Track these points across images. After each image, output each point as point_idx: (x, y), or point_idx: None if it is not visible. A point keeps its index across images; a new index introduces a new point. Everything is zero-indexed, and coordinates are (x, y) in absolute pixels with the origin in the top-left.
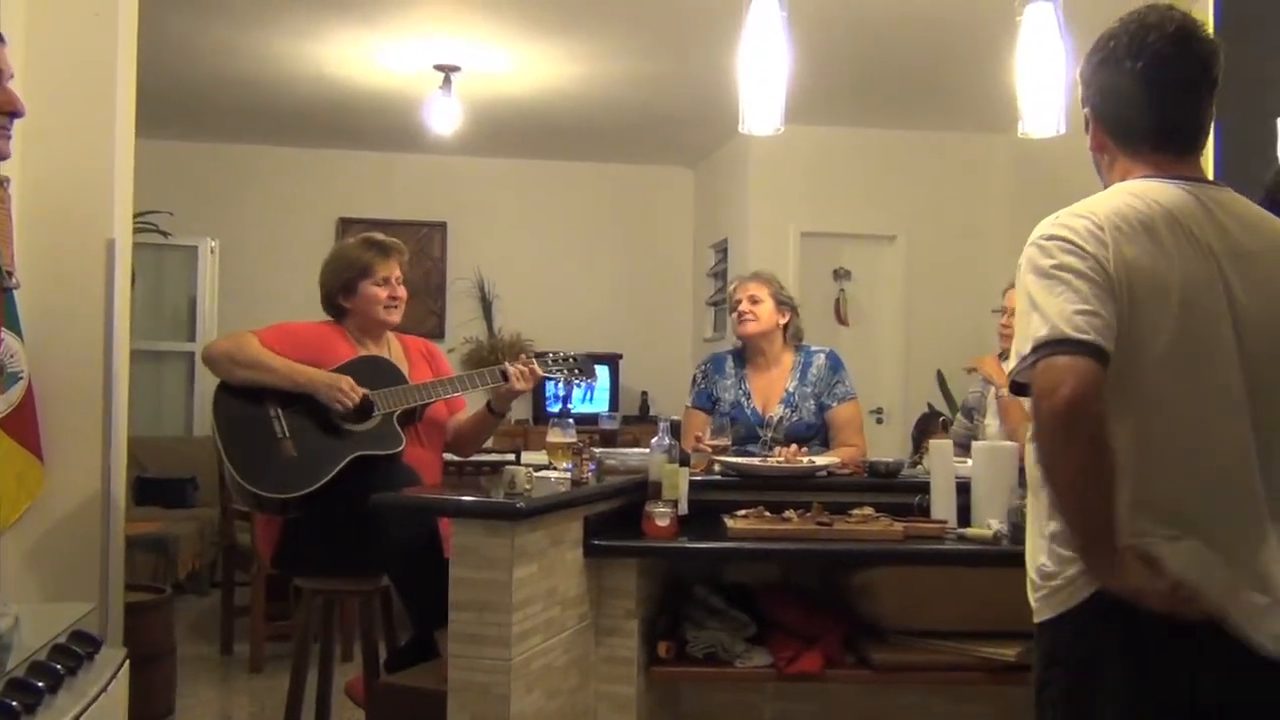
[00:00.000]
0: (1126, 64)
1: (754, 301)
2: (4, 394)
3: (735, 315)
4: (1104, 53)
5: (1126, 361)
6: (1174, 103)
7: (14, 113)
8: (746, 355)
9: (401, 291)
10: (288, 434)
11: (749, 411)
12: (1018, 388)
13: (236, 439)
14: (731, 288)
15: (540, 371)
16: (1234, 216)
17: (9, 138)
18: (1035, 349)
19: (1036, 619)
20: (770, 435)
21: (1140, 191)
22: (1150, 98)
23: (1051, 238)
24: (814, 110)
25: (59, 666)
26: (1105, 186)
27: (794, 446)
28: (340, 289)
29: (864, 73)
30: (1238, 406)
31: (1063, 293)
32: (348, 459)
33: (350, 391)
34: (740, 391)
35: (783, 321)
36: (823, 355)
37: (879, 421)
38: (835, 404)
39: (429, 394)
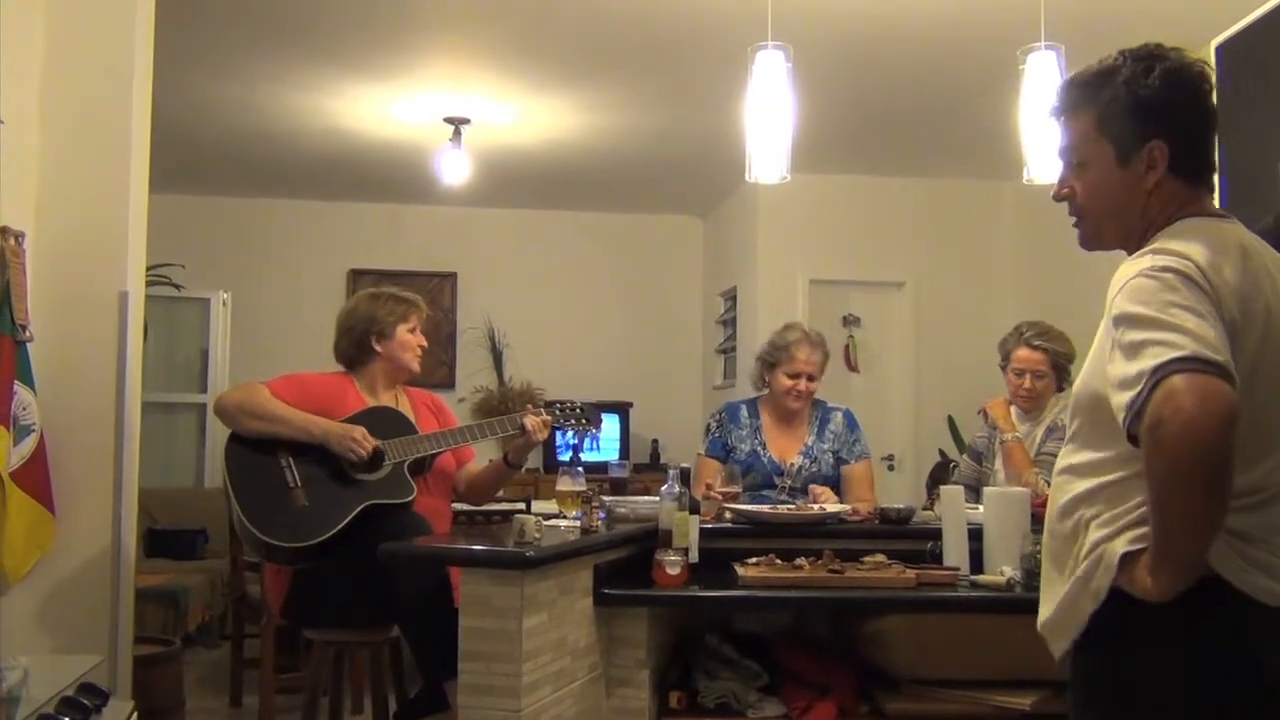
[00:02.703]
0: (1209, 103)
1: (810, 379)
2: (16, 446)
3: (791, 380)
4: (1190, 89)
5: None
6: (1215, 145)
7: None
8: (763, 407)
9: (425, 343)
10: (299, 483)
11: (765, 460)
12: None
13: (248, 488)
14: (791, 342)
15: (551, 421)
16: (1271, 257)
17: None
18: (1166, 364)
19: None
20: (789, 484)
21: (1213, 229)
22: (1213, 138)
23: (1165, 269)
24: (821, 159)
25: (67, 719)
26: (1125, 226)
27: (824, 490)
28: (376, 332)
29: (870, 121)
30: None
31: (1189, 319)
32: (359, 508)
33: (363, 441)
34: (756, 441)
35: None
36: (840, 414)
37: (890, 468)
38: (854, 461)
39: (440, 443)
